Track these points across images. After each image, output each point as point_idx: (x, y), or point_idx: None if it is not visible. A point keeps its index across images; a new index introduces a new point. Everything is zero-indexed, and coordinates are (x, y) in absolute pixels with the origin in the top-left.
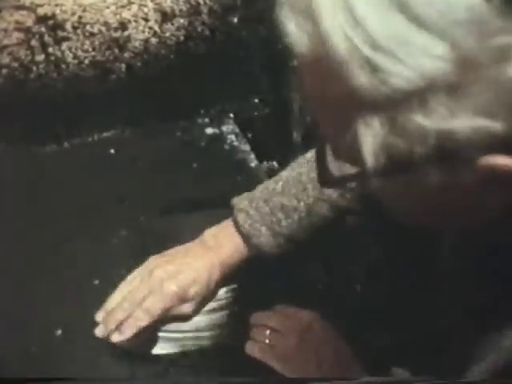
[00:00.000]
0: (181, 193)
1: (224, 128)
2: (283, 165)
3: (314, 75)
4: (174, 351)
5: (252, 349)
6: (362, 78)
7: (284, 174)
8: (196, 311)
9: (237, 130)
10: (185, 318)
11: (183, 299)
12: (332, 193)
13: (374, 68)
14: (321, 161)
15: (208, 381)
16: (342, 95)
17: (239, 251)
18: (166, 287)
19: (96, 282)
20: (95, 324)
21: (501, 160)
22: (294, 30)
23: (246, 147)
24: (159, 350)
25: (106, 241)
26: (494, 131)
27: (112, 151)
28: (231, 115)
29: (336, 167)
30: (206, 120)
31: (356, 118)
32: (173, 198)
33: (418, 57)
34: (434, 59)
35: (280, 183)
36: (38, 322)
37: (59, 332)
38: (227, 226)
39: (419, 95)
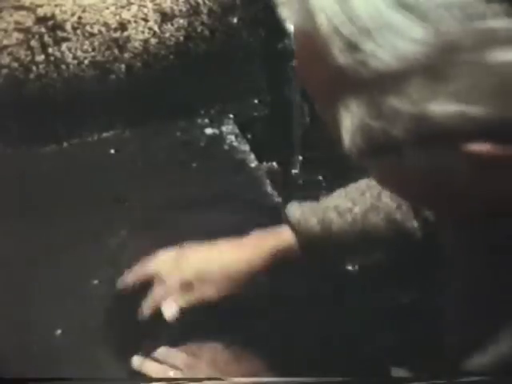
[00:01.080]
0: (180, 193)
1: (224, 128)
2: (283, 165)
3: (303, 54)
4: None
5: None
6: (341, 58)
7: (342, 188)
8: (218, 294)
9: (236, 131)
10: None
11: (201, 278)
12: (389, 202)
13: (353, 48)
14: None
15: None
16: (325, 75)
17: (282, 241)
18: (185, 262)
19: (96, 281)
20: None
21: (484, 147)
22: (286, 9)
23: (246, 147)
24: None
25: (106, 241)
26: (474, 117)
27: (112, 151)
28: (231, 115)
29: None
30: (206, 120)
31: (337, 98)
32: (173, 197)
33: (394, 38)
34: (413, 42)
35: (338, 191)
36: (38, 321)
37: (59, 332)
38: (272, 229)
39: (395, 78)
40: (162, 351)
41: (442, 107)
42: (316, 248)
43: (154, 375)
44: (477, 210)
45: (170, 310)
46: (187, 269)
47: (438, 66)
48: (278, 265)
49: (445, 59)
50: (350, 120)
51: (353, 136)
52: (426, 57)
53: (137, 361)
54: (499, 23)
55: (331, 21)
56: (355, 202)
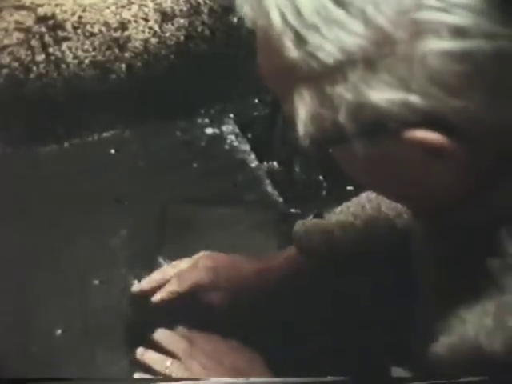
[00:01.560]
0: (181, 193)
1: (224, 128)
2: (283, 165)
3: (260, 48)
4: None
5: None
6: (292, 52)
7: (344, 204)
8: (223, 303)
9: (237, 130)
10: (210, 307)
11: (214, 285)
12: (390, 211)
13: (302, 42)
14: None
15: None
16: (280, 68)
17: (290, 260)
18: (203, 263)
19: (96, 282)
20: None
21: (424, 134)
22: (243, 5)
23: (246, 147)
24: None
25: (106, 241)
26: (414, 105)
27: (112, 151)
28: (231, 115)
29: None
30: (206, 120)
31: (292, 89)
32: (173, 197)
33: (338, 32)
34: (352, 35)
35: (340, 207)
36: (38, 321)
37: (59, 332)
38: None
39: (341, 68)
40: (162, 332)
41: (383, 95)
42: (319, 263)
43: (154, 364)
44: (440, 202)
45: (157, 296)
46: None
47: (376, 56)
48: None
49: (381, 50)
50: (304, 109)
51: (306, 125)
52: (364, 48)
53: (140, 351)
54: (432, 15)
55: (283, 16)
56: (356, 217)
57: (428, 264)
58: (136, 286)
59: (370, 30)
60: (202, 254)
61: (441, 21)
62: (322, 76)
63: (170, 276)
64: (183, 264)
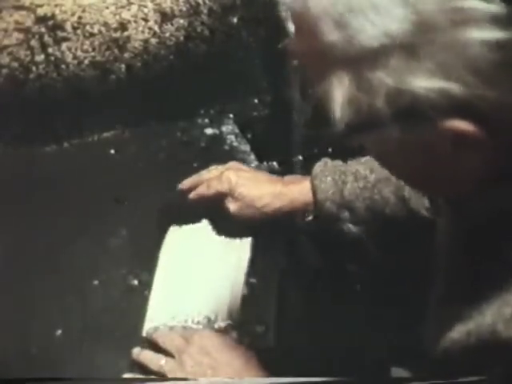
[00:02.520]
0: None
1: (224, 128)
2: (283, 165)
3: (299, 32)
4: None
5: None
6: (332, 35)
7: None
8: (238, 213)
9: (236, 131)
10: (227, 214)
11: (233, 196)
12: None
13: (344, 25)
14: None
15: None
16: (318, 50)
17: (303, 195)
18: (226, 175)
19: (96, 282)
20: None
21: (457, 123)
22: None
23: (246, 147)
24: None
25: (106, 241)
26: (452, 93)
27: (112, 151)
28: (231, 115)
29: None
30: (206, 120)
31: (329, 71)
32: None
33: (381, 16)
34: (395, 20)
35: (363, 158)
36: (38, 322)
37: (59, 332)
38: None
39: (382, 53)
40: (158, 331)
41: (422, 82)
42: (325, 205)
43: (149, 363)
44: (462, 189)
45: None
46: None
47: (416, 43)
48: (293, 208)
49: (424, 36)
50: (341, 92)
51: (343, 109)
52: (408, 33)
53: (136, 351)
54: (473, 3)
55: (321, 2)
56: (372, 171)
57: (446, 252)
58: (181, 184)
59: (414, 16)
60: (230, 164)
61: (482, 10)
62: (362, 60)
63: (204, 180)
64: (215, 171)
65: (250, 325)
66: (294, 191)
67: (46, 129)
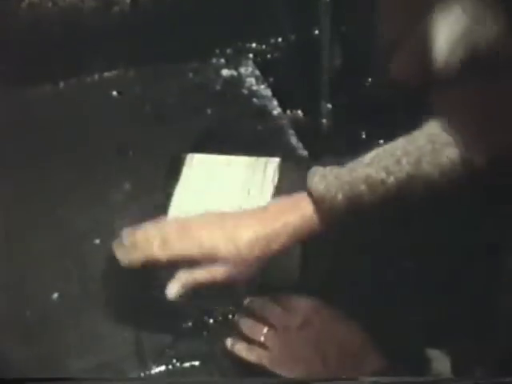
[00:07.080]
0: (192, 143)
1: (242, 70)
2: (309, 114)
3: None
4: None
5: (240, 348)
6: None
7: (373, 151)
8: (229, 278)
9: (257, 73)
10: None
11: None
12: (432, 170)
13: None
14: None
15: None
16: None
17: (305, 219)
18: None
19: (97, 241)
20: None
21: None
22: None
23: (267, 92)
24: None
25: (108, 196)
26: None
27: (114, 93)
28: (250, 55)
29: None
30: (222, 60)
31: (433, 8)
32: (183, 148)
33: None
34: None
35: (368, 155)
36: (34, 284)
37: (55, 295)
38: (295, 195)
39: None
40: (258, 302)
41: None
42: (341, 225)
43: (244, 355)
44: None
45: (171, 291)
46: (192, 244)
47: None
48: (296, 241)
49: None
50: (451, 29)
51: (453, 47)
52: None
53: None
54: None
55: None
56: (389, 172)
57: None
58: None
59: None
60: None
61: None
62: None
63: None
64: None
65: None
66: (287, 217)
67: (40, 67)
